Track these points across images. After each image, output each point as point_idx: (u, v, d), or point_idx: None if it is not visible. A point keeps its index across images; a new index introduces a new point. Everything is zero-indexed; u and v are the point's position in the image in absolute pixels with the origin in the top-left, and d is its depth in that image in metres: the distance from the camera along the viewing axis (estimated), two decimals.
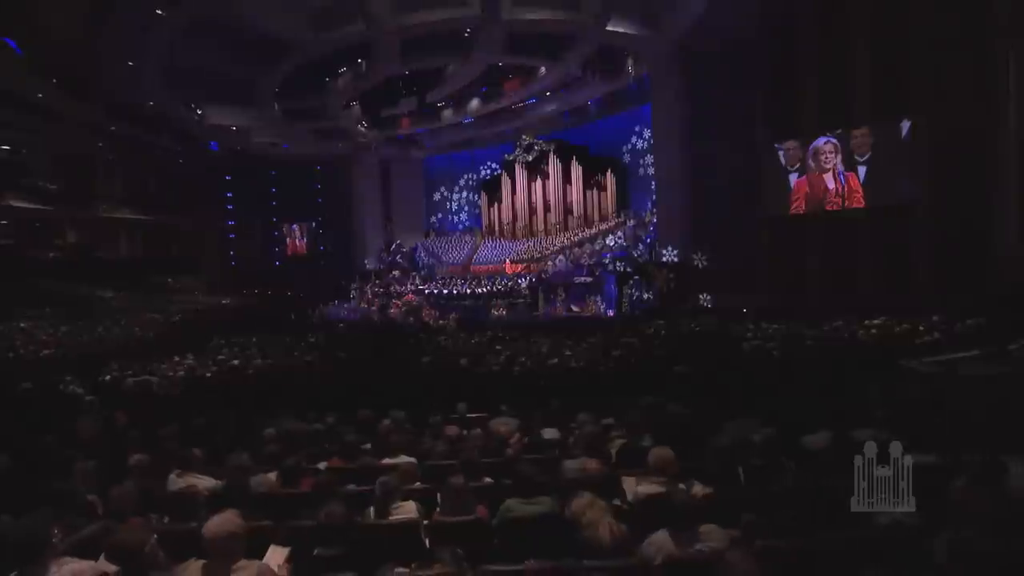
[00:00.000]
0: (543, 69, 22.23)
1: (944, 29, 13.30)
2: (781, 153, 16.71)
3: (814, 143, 15.99)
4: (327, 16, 17.32)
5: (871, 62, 14.71)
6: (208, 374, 9.01)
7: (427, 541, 2.35)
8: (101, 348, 13.06)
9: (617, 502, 2.37)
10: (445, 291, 24.83)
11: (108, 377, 8.80)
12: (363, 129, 26.63)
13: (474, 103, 25.57)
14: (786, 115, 16.45)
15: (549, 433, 4.06)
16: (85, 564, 2.04)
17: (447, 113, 26.38)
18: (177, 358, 10.22)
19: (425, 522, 2.47)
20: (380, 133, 27.69)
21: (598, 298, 21.16)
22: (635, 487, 2.56)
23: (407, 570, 1.87)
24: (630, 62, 21.30)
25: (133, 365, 9.70)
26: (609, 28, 17.57)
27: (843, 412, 3.60)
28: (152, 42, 17.00)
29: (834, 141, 15.75)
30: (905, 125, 14.41)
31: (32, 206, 24.79)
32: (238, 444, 3.94)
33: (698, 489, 2.54)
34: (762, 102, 16.97)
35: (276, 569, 2.15)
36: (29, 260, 24.16)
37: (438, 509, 2.64)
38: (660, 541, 2.06)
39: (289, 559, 2.26)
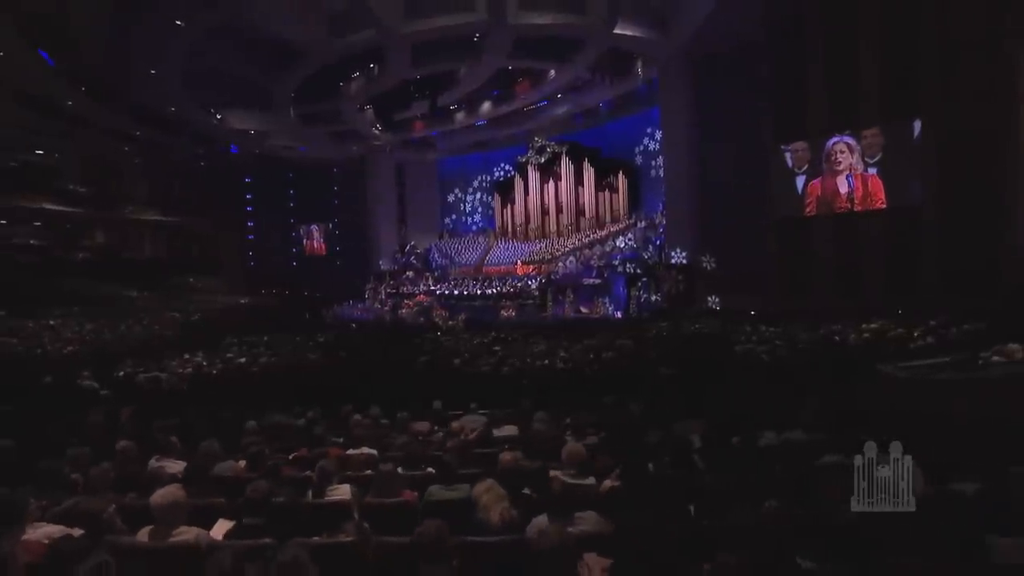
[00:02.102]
0: (552, 72, 22.41)
1: (954, 29, 13.12)
2: (788, 155, 16.61)
3: (827, 144, 15.83)
4: (339, 23, 17.79)
5: (879, 62, 14.55)
6: (214, 371, 9.43)
7: (357, 518, 2.61)
8: (121, 346, 13.67)
9: (527, 491, 2.60)
10: (456, 292, 25.16)
11: (122, 373, 9.29)
12: (377, 132, 27.15)
13: (486, 106, 25.89)
14: (794, 116, 16.36)
15: (508, 430, 4.30)
16: (55, 528, 2.35)
17: (460, 116, 26.76)
18: (188, 356, 10.69)
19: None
20: (394, 136, 28.19)
21: (606, 300, 21.24)
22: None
23: (320, 538, 2.13)
24: (639, 64, 21.35)
25: (147, 362, 10.20)
26: (616, 31, 17.68)
27: (786, 414, 3.74)
28: (173, 51, 17.68)
29: (847, 141, 15.58)
30: (917, 125, 14.22)
31: (63, 208, 25.93)
32: (220, 434, 4.26)
33: (607, 483, 2.76)
34: (769, 103, 16.89)
35: (220, 537, 2.43)
36: (60, 260, 25.25)
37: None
38: (539, 524, 2.28)
39: (232, 529, 2.55)
